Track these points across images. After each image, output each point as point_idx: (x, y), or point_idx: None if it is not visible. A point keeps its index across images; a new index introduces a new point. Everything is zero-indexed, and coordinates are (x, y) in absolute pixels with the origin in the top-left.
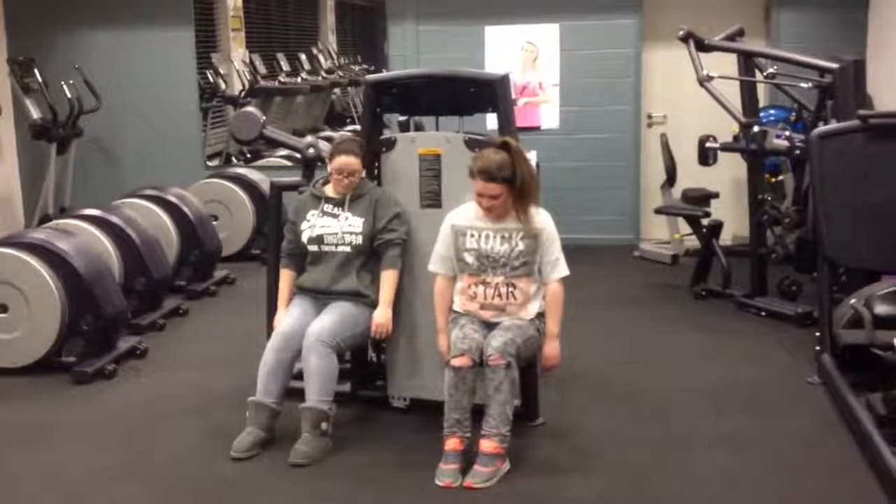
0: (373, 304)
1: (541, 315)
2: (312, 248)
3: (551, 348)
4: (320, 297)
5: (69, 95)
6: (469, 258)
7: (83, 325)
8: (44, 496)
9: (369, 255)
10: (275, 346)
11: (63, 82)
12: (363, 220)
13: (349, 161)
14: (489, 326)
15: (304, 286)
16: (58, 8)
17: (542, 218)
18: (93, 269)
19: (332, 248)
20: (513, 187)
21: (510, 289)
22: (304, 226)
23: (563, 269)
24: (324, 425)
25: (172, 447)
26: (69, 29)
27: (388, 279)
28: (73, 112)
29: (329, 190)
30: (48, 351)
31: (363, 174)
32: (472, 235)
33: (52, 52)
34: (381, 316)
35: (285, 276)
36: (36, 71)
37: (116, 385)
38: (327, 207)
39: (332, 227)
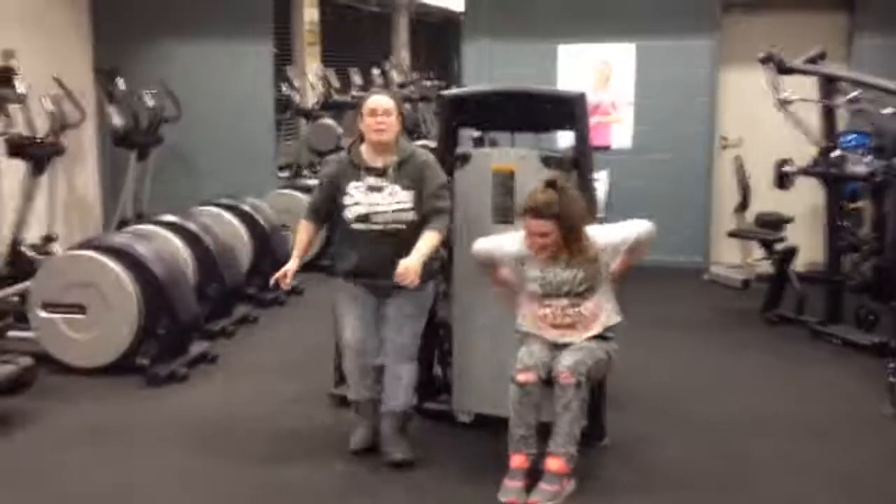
0: (430, 277)
1: (610, 329)
2: (358, 226)
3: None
4: (379, 288)
5: (151, 104)
6: (533, 286)
7: (158, 328)
8: (112, 495)
9: (421, 227)
10: (351, 358)
11: (145, 91)
12: (412, 192)
13: (380, 99)
14: (558, 348)
15: (357, 272)
16: (143, 20)
17: (597, 238)
18: (170, 274)
19: (382, 227)
20: (561, 224)
21: (576, 308)
22: (346, 200)
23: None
24: (407, 427)
25: (238, 450)
26: (153, 41)
27: (429, 238)
28: (154, 120)
29: (367, 156)
30: (124, 353)
31: (399, 129)
32: (536, 267)
33: (137, 62)
34: (412, 260)
35: (307, 228)
36: (120, 80)
37: (188, 388)
38: (371, 180)
39: (380, 203)
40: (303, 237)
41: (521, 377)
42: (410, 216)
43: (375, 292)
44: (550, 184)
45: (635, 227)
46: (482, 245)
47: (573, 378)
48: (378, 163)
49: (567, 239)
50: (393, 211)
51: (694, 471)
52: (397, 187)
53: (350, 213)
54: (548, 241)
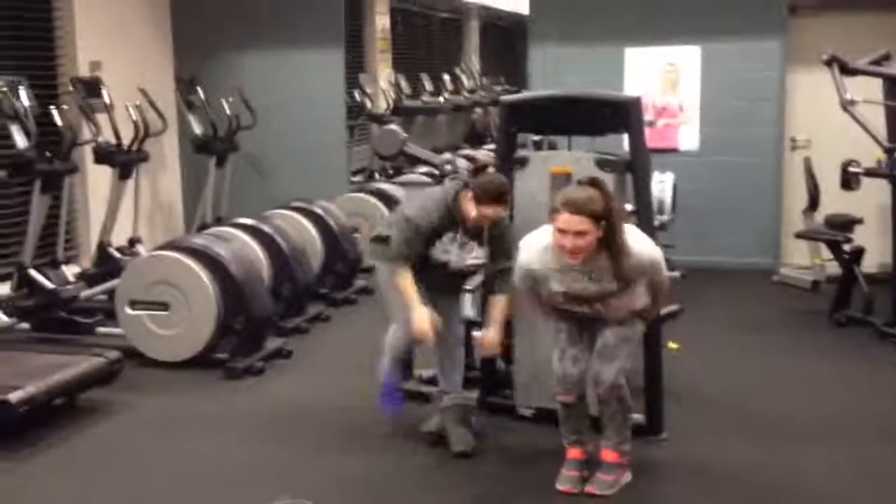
0: None
1: (644, 310)
2: (433, 263)
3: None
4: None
5: (228, 112)
6: (558, 297)
7: (235, 324)
8: (191, 481)
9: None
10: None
11: (223, 100)
12: (489, 251)
13: (498, 210)
14: (589, 328)
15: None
16: (220, 31)
17: (639, 251)
18: (246, 273)
19: (454, 270)
20: (601, 226)
21: (603, 306)
22: (438, 246)
23: (664, 294)
24: (470, 419)
25: (313, 440)
26: (230, 50)
27: (501, 303)
28: (232, 128)
29: (466, 214)
30: (204, 347)
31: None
32: (558, 280)
33: (214, 71)
34: (493, 331)
35: (410, 276)
36: (199, 89)
37: (264, 381)
38: (462, 238)
39: (460, 257)
40: (413, 286)
41: (562, 398)
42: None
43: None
44: (592, 182)
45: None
46: (517, 279)
47: (613, 396)
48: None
49: (607, 245)
50: (467, 262)
51: (751, 471)
52: (479, 247)
53: (435, 256)
54: (582, 244)
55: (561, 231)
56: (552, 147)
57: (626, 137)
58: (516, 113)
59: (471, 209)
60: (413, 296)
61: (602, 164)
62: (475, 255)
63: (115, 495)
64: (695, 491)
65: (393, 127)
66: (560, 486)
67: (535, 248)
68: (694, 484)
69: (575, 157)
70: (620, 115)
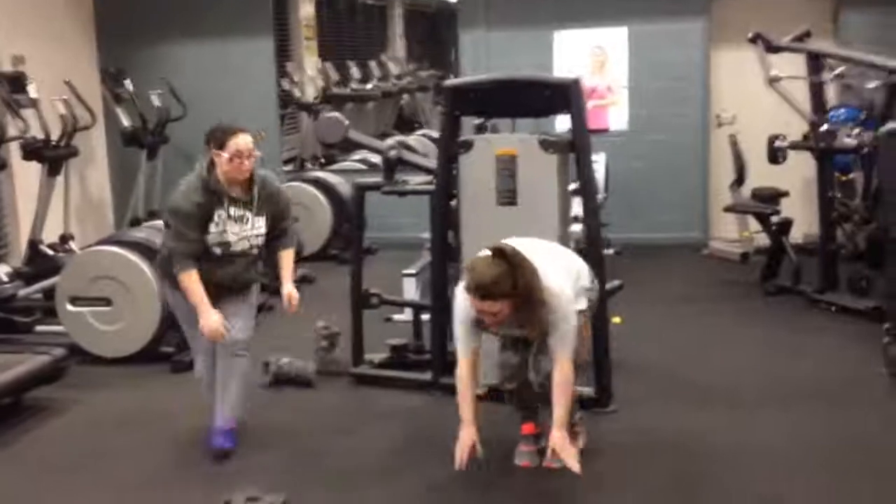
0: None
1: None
2: (216, 250)
3: (557, 439)
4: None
5: (157, 104)
6: (494, 340)
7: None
8: (140, 480)
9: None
10: None
11: (151, 92)
12: (265, 218)
13: (248, 140)
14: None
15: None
16: (146, 21)
17: (555, 299)
18: None
19: (237, 251)
20: (514, 296)
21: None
22: (211, 227)
23: (568, 344)
24: None
25: (267, 432)
26: (157, 41)
27: (290, 257)
28: (161, 120)
29: (227, 184)
30: (149, 342)
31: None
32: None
33: (141, 62)
34: (293, 287)
35: (195, 274)
36: (126, 81)
37: None
38: (233, 210)
39: (241, 233)
40: (203, 290)
41: (508, 386)
42: (261, 241)
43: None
44: (497, 252)
45: (568, 341)
46: (459, 346)
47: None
48: (239, 186)
49: (525, 307)
50: (252, 236)
51: (695, 435)
52: (256, 217)
53: (211, 240)
54: (500, 316)
55: (477, 309)
56: (495, 130)
57: (565, 118)
58: (460, 96)
59: (221, 164)
60: (201, 295)
61: (545, 144)
62: (255, 227)
63: (70, 493)
64: (645, 458)
65: (335, 114)
66: (518, 462)
67: (467, 297)
68: (644, 452)
69: (519, 138)
70: (562, 96)
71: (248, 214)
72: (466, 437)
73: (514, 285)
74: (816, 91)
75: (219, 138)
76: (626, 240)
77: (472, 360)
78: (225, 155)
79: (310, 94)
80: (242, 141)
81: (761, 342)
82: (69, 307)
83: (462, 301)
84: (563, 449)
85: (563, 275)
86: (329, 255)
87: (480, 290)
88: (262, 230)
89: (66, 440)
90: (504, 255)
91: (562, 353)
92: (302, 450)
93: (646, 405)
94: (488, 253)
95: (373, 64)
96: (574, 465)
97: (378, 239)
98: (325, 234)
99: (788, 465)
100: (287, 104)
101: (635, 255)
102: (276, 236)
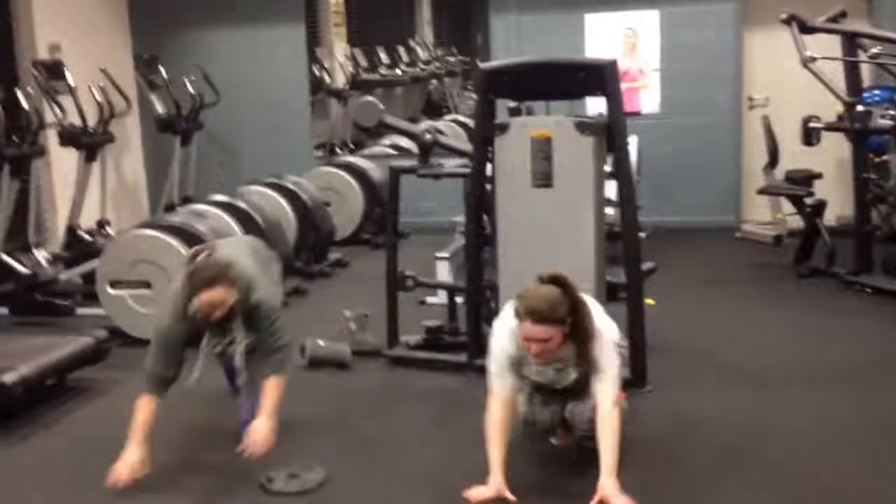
0: None
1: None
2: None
3: (608, 487)
4: None
5: (191, 91)
6: (527, 386)
7: None
8: (183, 456)
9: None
10: None
11: (185, 78)
12: (253, 334)
13: (219, 294)
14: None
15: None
16: (179, 8)
17: (604, 335)
18: None
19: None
20: (567, 324)
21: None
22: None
23: (614, 385)
24: None
25: (308, 407)
26: (190, 28)
27: (275, 387)
28: (195, 106)
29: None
30: None
31: (236, 296)
32: (531, 366)
33: (174, 49)
34: (267, 423)
35: (149, 406)
36: (160, 68)
37: None
38: (215, 333)
39: (228, 344)
40: (146, 419)
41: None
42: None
43: None
44: (553, 279)
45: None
46: (494, 383)
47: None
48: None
49: (575, 337)
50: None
51: (727, 416)
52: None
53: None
54: (548, 347)
55: (525, 338)
56: (530, 113)
57: (598, 101)
58: (495, 80)
59: (196, 304)
60: (138, 426)
61: (581, 126)
62: (241, 341)
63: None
64: (677, 434)
65: (370, 98)
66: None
67: (508, 329)
68: (677, 429)
69: (555, 120)
70: (598, 78)
71: (232, 336)
72: (493, 487)
73: (570, 310)
74: (852, 72)
75: (194, 285)
76: (658, 223)
77: (510, 397)
78: (196, 302)
79: (339, 80)
80: (210, 298)
81: (794, 324)
82: (110, 290)
83: (502, 336)
84: (616, 498)
85: (606, 317)
86: (361, 240)
87: (536, 314)
88: (249, 340)
89: (107, 420)
90: (558, 281)
91: (608, 394)
92: (340, 428)
93: (679, 386)
94: (538, 282)
95: (401, 49)
96: None
97: (409, 223)
98: (357, 219)
99: (818, 445)
100: (317, 90)
101: (667, 239)
102: (265, 354)
